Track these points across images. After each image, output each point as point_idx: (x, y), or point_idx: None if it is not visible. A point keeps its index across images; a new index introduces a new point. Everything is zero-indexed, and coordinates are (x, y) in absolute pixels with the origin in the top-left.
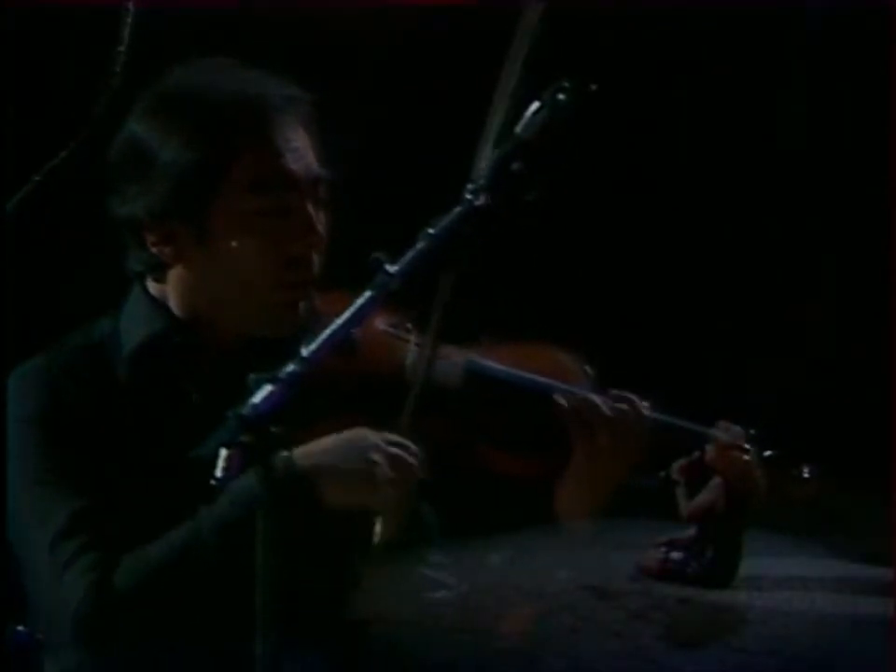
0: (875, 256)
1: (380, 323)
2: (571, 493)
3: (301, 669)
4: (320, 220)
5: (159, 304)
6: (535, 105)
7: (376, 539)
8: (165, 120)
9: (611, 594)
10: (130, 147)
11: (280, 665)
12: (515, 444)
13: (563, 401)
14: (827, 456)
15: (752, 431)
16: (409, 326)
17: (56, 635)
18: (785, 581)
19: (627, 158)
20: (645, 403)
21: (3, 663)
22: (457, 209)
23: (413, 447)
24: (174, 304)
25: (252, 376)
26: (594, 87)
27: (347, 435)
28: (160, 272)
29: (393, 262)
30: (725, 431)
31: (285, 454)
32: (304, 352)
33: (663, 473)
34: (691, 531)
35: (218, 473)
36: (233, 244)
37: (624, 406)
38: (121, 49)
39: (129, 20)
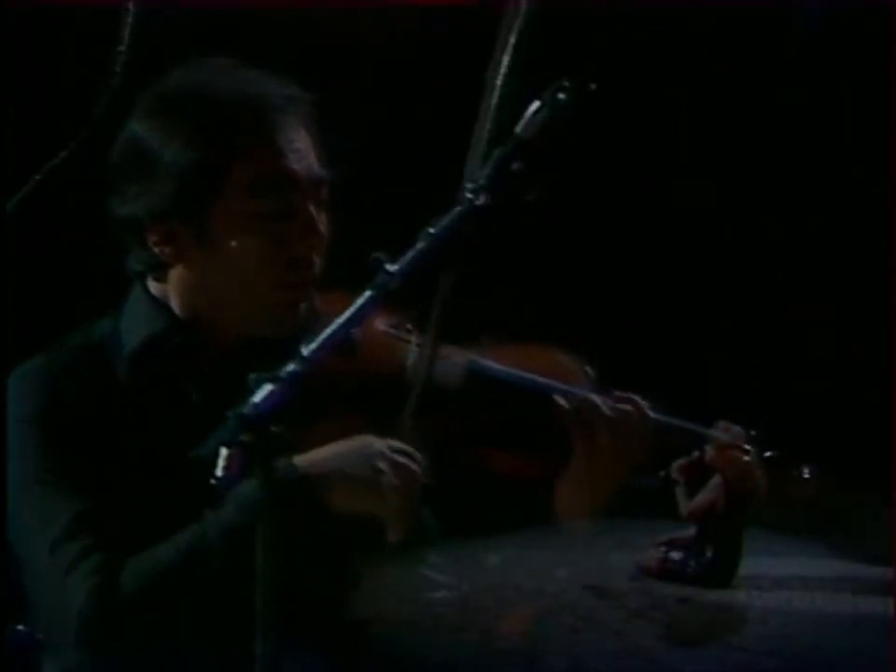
0: (875, 256)
1: (380, 323)
2: (571, 493)
3: (301, 669)
4: (321, 221)
5: (159, 304)
6: (535, 105)
7: (384, 543)
8: (166, 121)
9: (611, 593)
10: (131, 148)
11: (280, 665)
12: (516, 444)
13: (563, 401)
14: (827, 456)
15: (753, 432)
16: (409, 326)
17: (57, 636)
18: (785, 580)
19: (627, 158)
20: (644, 404)
21: (3, 663)
22: (457, 209)
23: (417, 455)
24: (174, 304)
25: (252, 376)
26: (593, 86)
27: (352, 442)
28: (160, 271)
29: (393, 262)
30: (725, 431)
31: (290, 460)
32: (305, 351)
33: (662, 473)
34: (690, 531)
35: (219, 473)
36: (234, 244)
37: (627, 407)
38: (121, 48)
39: (129, 20)
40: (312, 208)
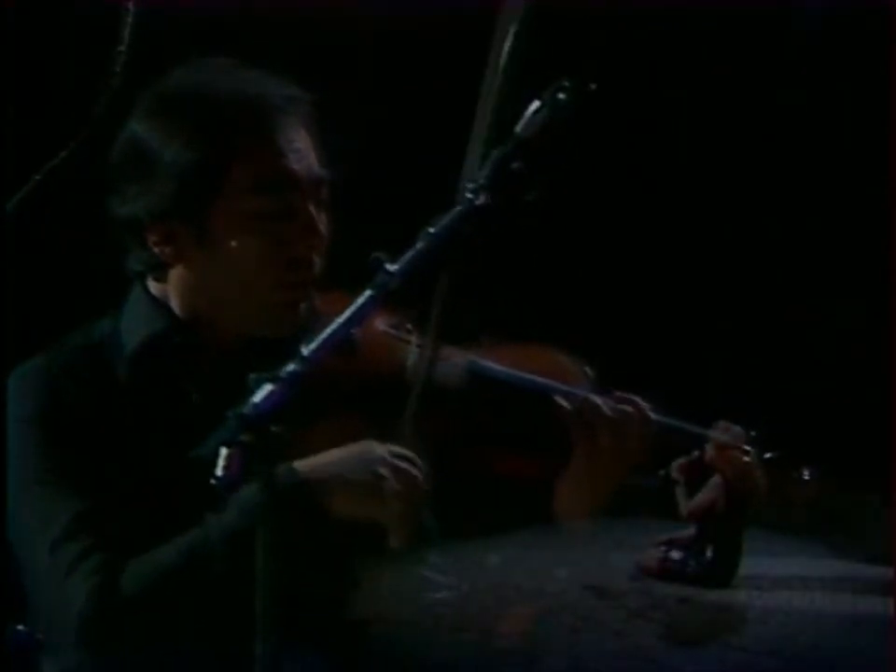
0: (875, 256)
1: (380, 324)
2: (571, 493)
3: (301, 669)
4: (321, 221)
5: (160, 304)
6: (535, 105)
7: (385, 549)
8: (166, 121)
9: (611, 593)
10: (131, 148)
11: (280, 665)
12: (516, 445)
13: (564, 402)
14: (827, 456)
15: (753, 433)
16: (409, 327)
17: (57, 636)
18: (785, 580)
19: (627, 158)
20: (645, 405)
21: (3, 663)
22: (457, 208)
23: (418, 460)
24: (174, 304)
25: (252, 375)
26: (593, 86)
27: (354, 447)
28: (160, 271)
29: (393, 262)
30: (725, 431)
31: (290, 464)
32: (305, 351)
33: (662, 472)
34: (690, 530)
35: (219, 473)
36: (234, 244)
37: (628, 407)
38: (121, 48)
39: (129, 20)
40: (312, 208)
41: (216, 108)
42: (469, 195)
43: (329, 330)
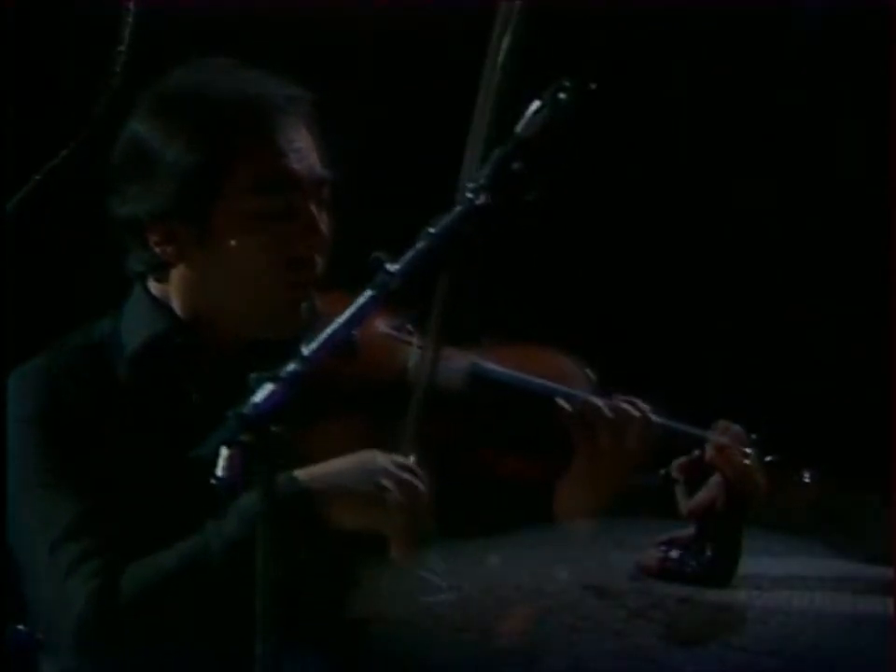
0: (875, 256)
1: (381, 325)
2: (572, 495)
3: (301, 669)
4: (323, 221)
5: (160, 304)
6: (535, 105)
7: (386, 559)
8: (167, 121)
9: (611, 593)
10: (132, 148)
11: (280, 665)
12: (517, 447)
13: (565, 404)
14: (827, 457)
15: (754, 436)
16: (410, 328)
17: (56, 638)
18: (785, 580)
19: (627, 158)
20: (646, 406)
21: (3, 663)
22: (458, 208)
23: (420, 471)
24: (175, 304)
25: (253, 375)
26: (593, 86)
27: (356, 457)
28: (161, 272)
29: (393, 262)
30: (725, 431)
31: (291, 473)
32: (305, 351)
33: (662, 471)
34: (690, 530)
35: (219, 473)
36: (235, 244)
37: (629, 409)
38: (121, 48)
39: (129, 20)
40: (313, 208)
41: (216, 108)
42: (469, 195)
43: (329, 330)
